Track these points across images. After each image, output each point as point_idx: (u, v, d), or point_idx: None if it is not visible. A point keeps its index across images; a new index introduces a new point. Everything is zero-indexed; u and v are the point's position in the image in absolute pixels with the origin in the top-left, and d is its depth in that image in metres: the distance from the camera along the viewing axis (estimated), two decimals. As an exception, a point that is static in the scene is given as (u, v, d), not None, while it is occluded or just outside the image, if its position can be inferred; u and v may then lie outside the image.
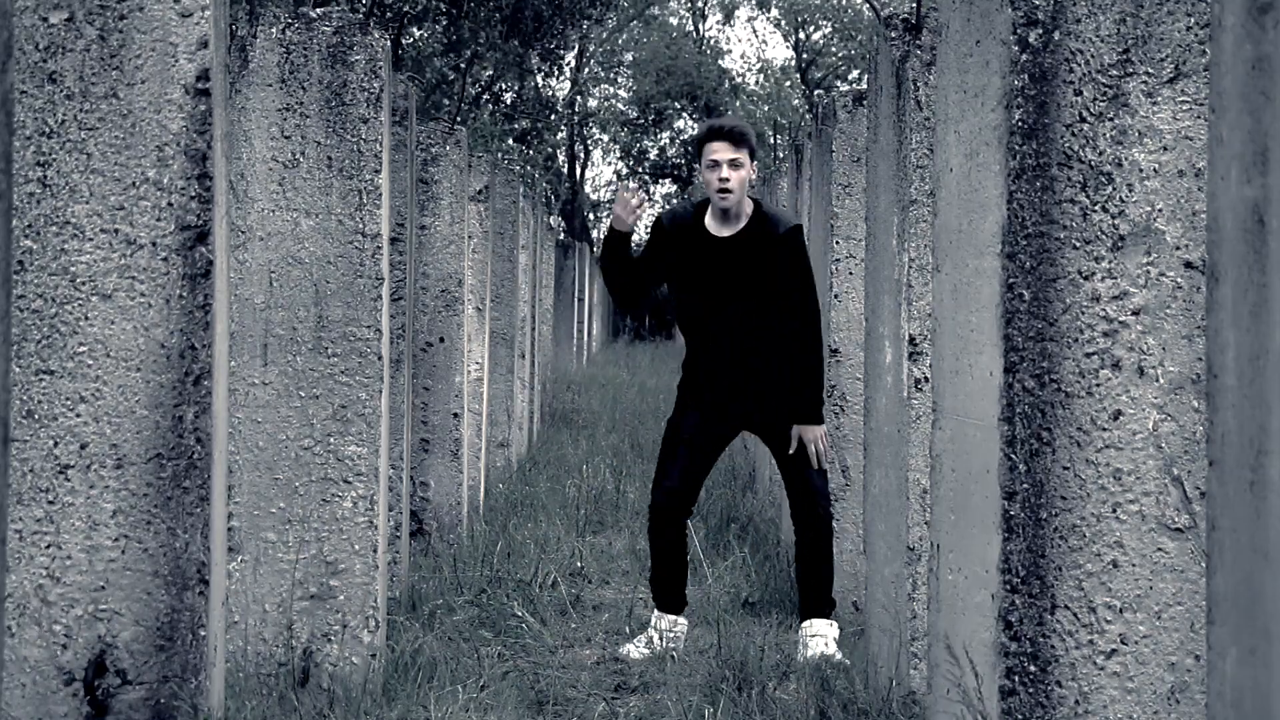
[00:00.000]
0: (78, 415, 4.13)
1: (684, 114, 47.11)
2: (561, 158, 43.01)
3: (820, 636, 6.69)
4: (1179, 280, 3.62)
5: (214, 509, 4.19)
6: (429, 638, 6.11)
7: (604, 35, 44.47)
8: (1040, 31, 3.63)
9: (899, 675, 5.23)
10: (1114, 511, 3.59)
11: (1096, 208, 3.61)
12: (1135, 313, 3.61)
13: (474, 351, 9.97)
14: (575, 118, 42.79)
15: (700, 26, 49.96)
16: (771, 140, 43.23)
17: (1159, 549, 3.59)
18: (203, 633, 4.14)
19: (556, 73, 31.45)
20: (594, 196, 49.93)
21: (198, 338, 4.16)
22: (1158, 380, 3.60)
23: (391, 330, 6.36)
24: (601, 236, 6.81)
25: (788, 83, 47.34)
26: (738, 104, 46.20)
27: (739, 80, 48.38)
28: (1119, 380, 3.60)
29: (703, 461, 6.86)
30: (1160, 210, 3.62)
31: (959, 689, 3.78)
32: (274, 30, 5.36)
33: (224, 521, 4.41)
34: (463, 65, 23.53)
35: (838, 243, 7.35)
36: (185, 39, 4.18)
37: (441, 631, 6.49)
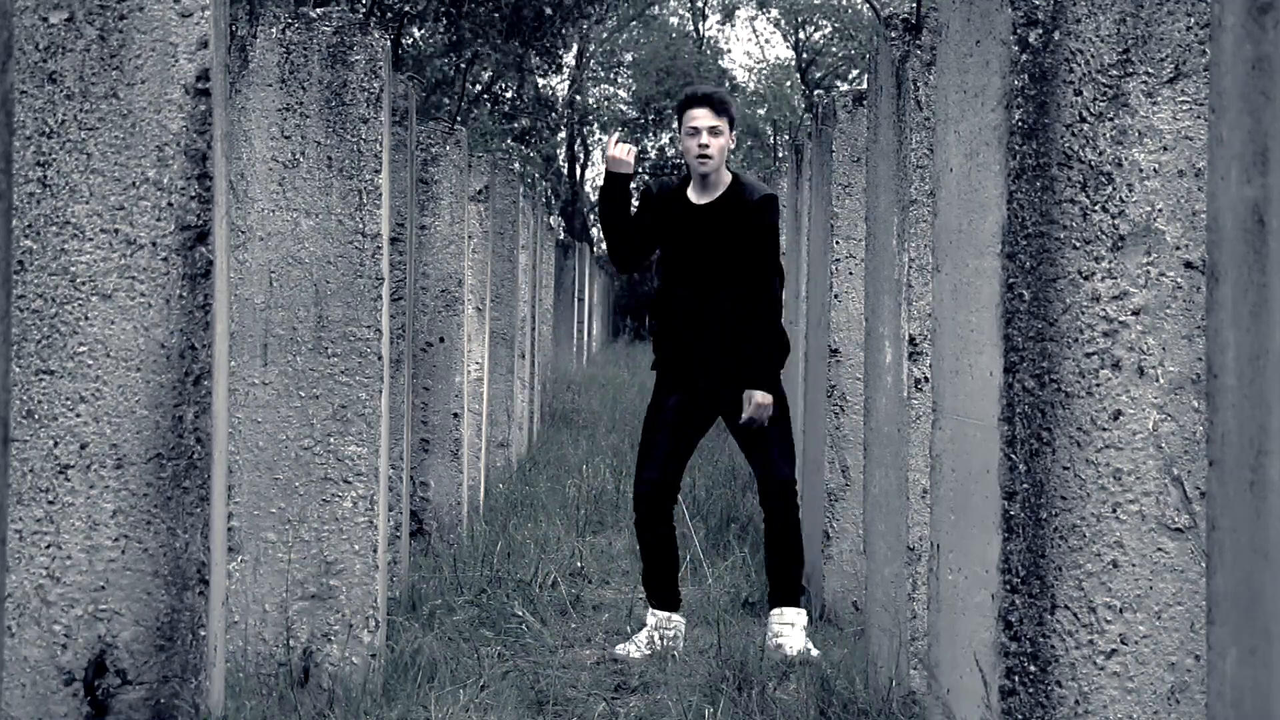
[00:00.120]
0: (78, 415, 4.13)
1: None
2: (561, 158, 43.00)
3: (789, 625, 6.70)
4: (1179, 280, 3.62)
5: (214, 509, 4.19)
6: (429, 638, 6.11)
7: (604, 35, 44.46)
8: (1040, 31, 3.63)
9: (899, 675, 5.23)
10: (1114, 511, 3.59)
11: (1096, 208, 3.61)
12: (1135, 313, 3.61)
13: (474, 351, 9.97)
14: (575, 117, 42.78)
15: (700, 26, 49.95)
16: (771, 140, 43.22)
17: (1159, 549, 3.59)
18: (203, 633, 4.14)
19: (555, 72, 31.44)
20: (594, 197, 49.90)
21: (198, 338, 4.16)
22: (1158, 380, 3.60)
23: (391, 330, 6.36)
24: (598, 186, 6.85)
25: (788, 83, 47.31)
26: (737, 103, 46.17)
27: (739, 81, 48.38)
28: (1119, 380, 3.60)
29: (683, 448, 6.87)
30: (1160, 210, 3.62)
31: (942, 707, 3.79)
32: (274, 30, 5.36)
33: (224, 521, 4.41)
34: (463, 65, 23.52)
35: (838, 243, 7.35)
36: (185, 39, 4.18)
37: (441, 631, 6.48)
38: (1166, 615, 3.59)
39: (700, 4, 49.00)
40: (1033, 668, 3.59)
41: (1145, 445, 3.60)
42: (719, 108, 6.90)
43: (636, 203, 7.18)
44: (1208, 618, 2.06)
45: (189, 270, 4.17)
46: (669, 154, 47.77)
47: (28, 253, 4.13)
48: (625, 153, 6.90)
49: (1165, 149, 3.62)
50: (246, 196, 5.34)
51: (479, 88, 27.99)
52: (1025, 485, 3.59)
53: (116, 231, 4.15)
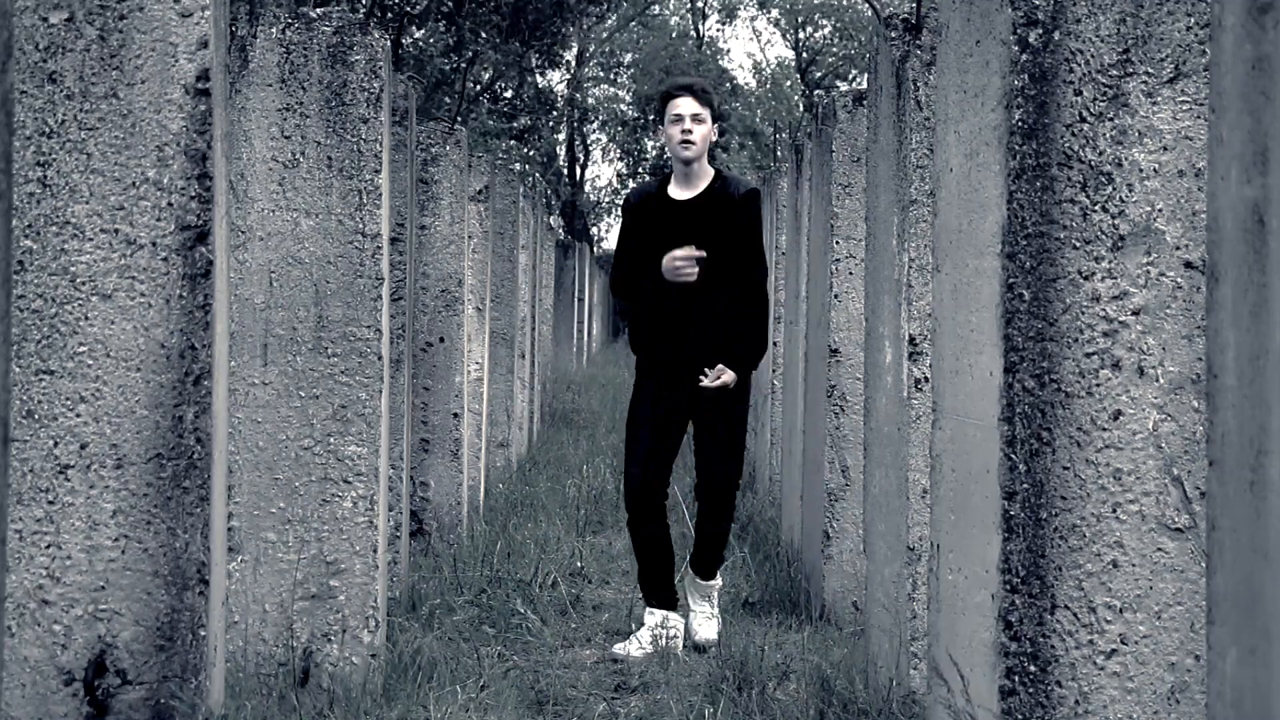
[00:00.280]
0: (78, 415, 4.13)
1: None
2: (562, 158, 42.99)
3: (706, 602, 6.87)
4: (1179, 280, 3.62)
5: (214, 509, 4.19)
6: (429, 638, 6.11)
7: (604, 35, 44.47)
8: (1040, 31, 3.63)
9: (899, 675, 5.23)
10: (1114, 511, 3.59)
11: (1096, 208, 3.61)
12: (1135, 313, 3.61)
13: (474, 351, 9.97)
14: (575, 115, 42.78)
15: (700, 27, 49.94)
16: (771, 140, 43.22)
17: (1159, 549, 3.59)
18: (203, 633, 4.14)
19: (554, 68, 31.46)
20: (593, 197, 49.92)
21: (198, 338, 4.16)
22: (1158, 380, 3.60)
23: (391, 330, 6.36)
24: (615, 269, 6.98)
25: (787, 83, 47.30)
26: (737, 104, 46.16)
27: (740, 81, 48.39)
28: (1119, 380, 3.60)
29: (668, 444, 6.91)
30: (1160, 210, 3.62)
31: (949, 708, 3.79)
32: (274, 30, 5.36)
33: (224, 521, 4.41)
34: (463, 65, 23.53)
35: (838, 243, 7.36)
36: (185, 39, 4.18)
37: (441, 631, 6.48)
38: (1166, 615, 3.59)
39: (700, 4, 49.00)
40: (1033, 668, 3.59)
41: (1145, 445, 3.60)
42: (701, 97, 7.00)
43: (622, 219, 7.24)
44: (1208, 618, 2.06)
45: (189, 270, 4.17)
46: (668, 154, 47.75)
47: (28, 253, 4.13)
48: (689, 266, 6.88)
49: (1165, 149, 3.63)
50: (246, 196, 5.34)
51: (479, 87, 27.98)
52: (1025, 485, 3.59)
53: (116, 231, 4.15)
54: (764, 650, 6.05)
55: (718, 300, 6.88)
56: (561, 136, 41.98)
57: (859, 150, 7.32)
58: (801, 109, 43.80)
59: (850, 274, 7.36)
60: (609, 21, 41.53)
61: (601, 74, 48.37)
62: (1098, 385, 3.60)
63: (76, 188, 4.15)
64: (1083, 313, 3.61)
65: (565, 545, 8.93)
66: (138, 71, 4.17)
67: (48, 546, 4.12)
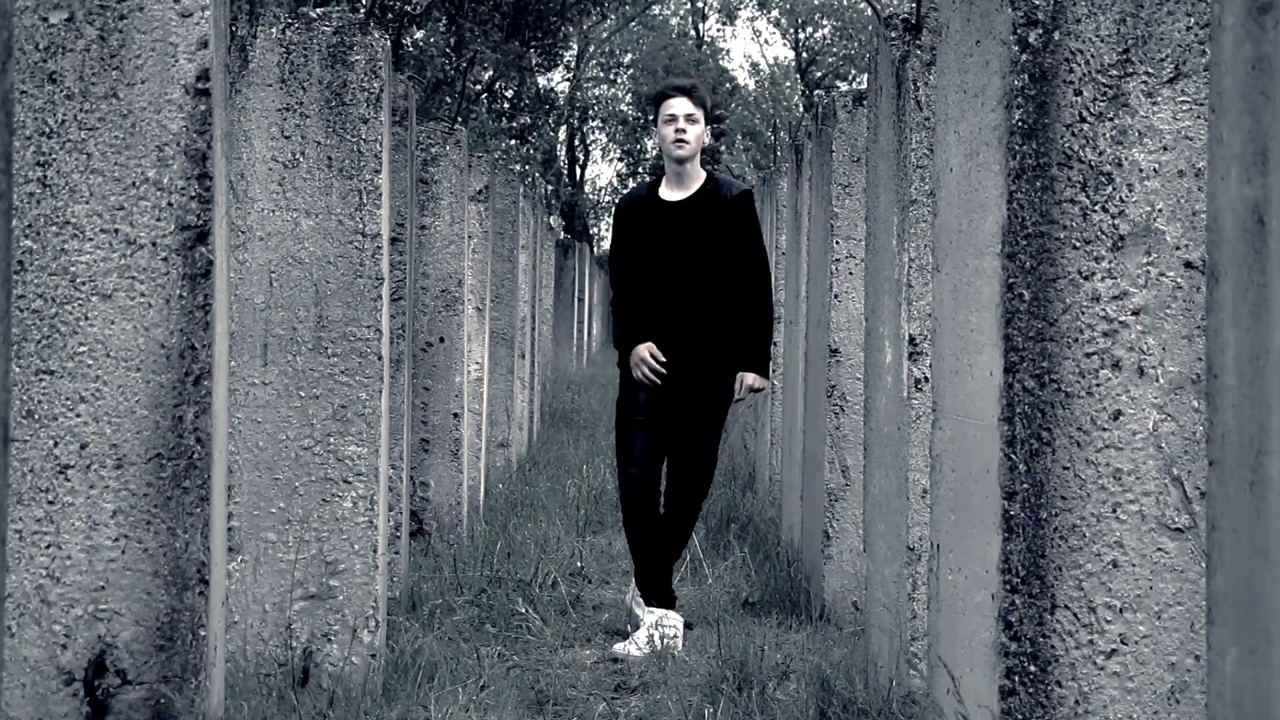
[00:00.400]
0: (78, 415, 4.13)
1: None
2: (562, 157, 42.99)
3: (673, 629, 6.85)
4: (1179, 280, 3.62)
5: (214, 509, 4.19)
6: (429, 638, 6.11)
7: (604, 35, 44.46)
8: (1040, 31, 3.63)
9: (899, 675, 5.22)
10: (1114, 511, 3.59)
11: (1096, 208, 3.61)
12: (1135, 313, 3.61)
13: (474, 351, 9.97)
14: (575, 113, 42.79)
15: (700, 27, 49.94)
16: (771, 140, 43.23)
17: (1159, 549, 3.59)
18: (203, 633, 4.14)
19: (554, 67, 31.46)
20: (594, 197, 49.92)
21: (198, 338, 4.16)
22: (1158, 380, 3.60)
23: (391, 330, 6.36)
24: (617, 331, 7.22)
25: (787, 83, 47.30)
26: (736, 104, 46.17)
27: (740, 82, 48.39)
28: (1119, 380, 3.60)
29: (661, 441, 6.96)
30: (1160, 210, 3.62)
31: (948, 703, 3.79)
32: (274, 30, 5.36)
33: (224, 521, 4.41)
34: (464, 66, 23.53)
35: (838, 243, 7.36)
36: (185, 39, 4.18)
37: (441, 631, 6.48)
38: (1166, 615, 3.59)
39: (700, 4, 49.00)
40: (1033, 668, 3.59)
41: (1145, 445, 3.60)
42: (695, 98, 7.09)
43: (614, 224, 7.29)
44: (1208, 618, 2.06)
45: (189, 270, 4.17)
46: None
47: (28, 253, 4.13)
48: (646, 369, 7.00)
49: (1165, 149, 3.62)
50: (246, 196, 5.34)
51: (479, 87, 27.99)
52: (1025, 485, 3.59)
53: (116, 231, 4.15)
54: (764, 650, 6.05)
55: (713, 301, 6.95)
56: (561, 136, 41.98)
57: (859, 150, 7.32)
58: (801, 109, 43.80)
59: (850, 274, 7.36)
60: (609, 21, 41.53)
61: (601, 74, 48.37)
62: (1098, 385, 3.60)
63: (76, 188, 4.15)
64: (1083, 313, 3.61)
65: (565, 545, 8.92)
66: (138, 71, 4.17)
67: (48, 546, 4.12)
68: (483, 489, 10.45)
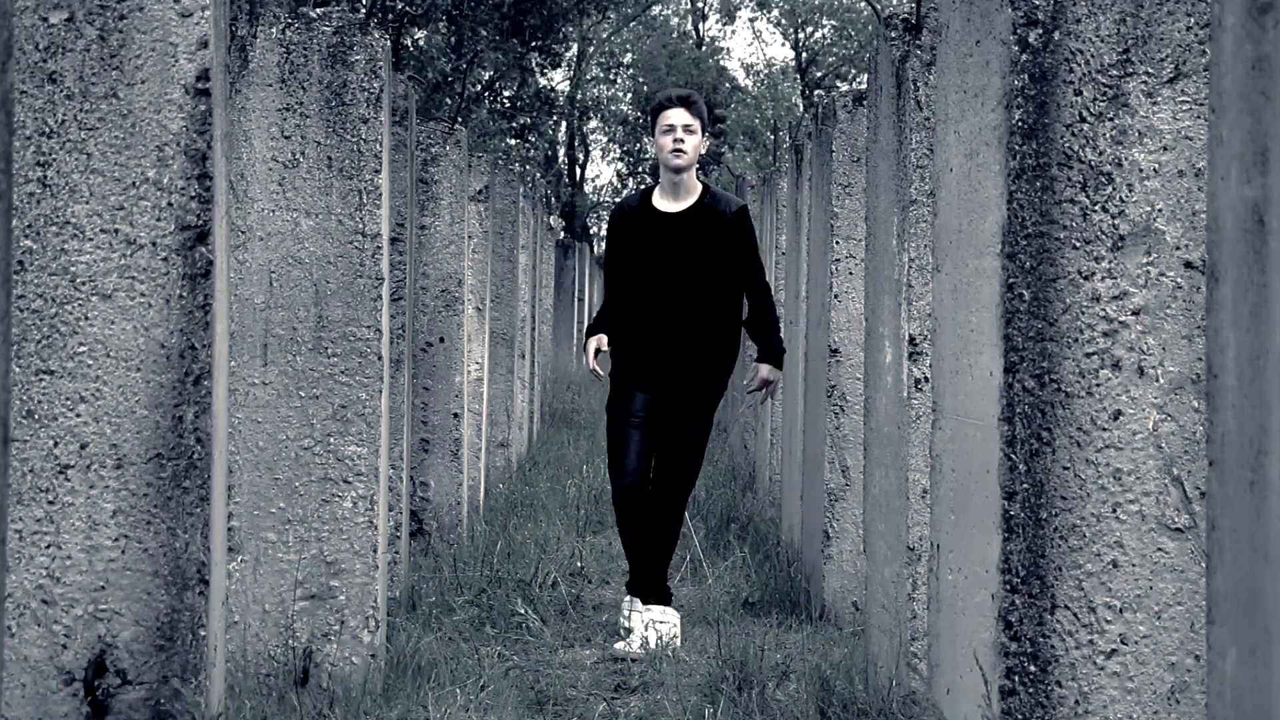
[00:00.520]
0: (78, 415, 4.13)
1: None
2: (562, 158, 43.00)
3: (669, 623, 6.89)
4: (1179, 280, 3.62)
5: (214, 509, 4.19)
6: (429, 638, 6.11)
7: (604, 35, 44.46)
8: (1040, 31, 3.62)
9: (899, 675, 5.22)
10: (1114, 511, 3.59)
11: (1096, 208, 3.61)
12: (1135, 313, 3.61)
13: (474, 351, 9.97)
14: (575, 113, 42.79)
15: (700, 27, 49.94)
16: (770, 140, 43.22)
17: (1159, 549, 3.59)
18: (203, 633, 4.14)
19: (555, 68, 31.47)
20: (594, 197, 49.91)
21: (198, 338, 4.16)
22: (1158, 380, 3.60)
23: (391, 330, 6.36)
24: (588, 328, 7.43)
25: (784, 84, 47.31)
26: (735, 105, 46.17)
27: (740, 80, 48.38)
28: (1119, 380, 3.60)
29: (654, 439, 7.03)
30: (1160, 210, 3.62)
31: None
32: (274, 30, 5.36)
33: (224, 521, 4.41)
34: (464, 67, 23.53)
35: (838, 243, 7.36)
36: (185, 39, 4.18)
37: (441, 631, 6.48)
38: (1166, 615, 3.59)
39: (700, 4, 49.00)
40: (1033, 668, 3.59)
41: (1145, 445, 3.60)
42: (692, 109, 7.16)
43: (608, 233, 7.36)
44: (1208, 618, 2.06)
45: (189, 270, 4.16)
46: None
47: (28, 253, 4.13)
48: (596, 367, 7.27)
49: (1165, 149, 3.62)
50: (246, 196, 5.34)
51: (479, 87, 27.99)
52: (1025, 485, 3.59)
53: (116, 231, 4.15)
54: (764, 650, 6.05)
55: (712, 300, 7.02)
56: (562, 135, 41.98)
57: (859, 150, 7.32)
58: (801, 109, 43.79)
59: (850, 274, 7.36)
60: (609, 19, 41.53)
61: (601, 74, 48.36)
62: (1098, 385, 3.60)
63: (76, 188, 4.15)
64: (1083, 313, 3.61)
65: (565, 545, 8.92)
66: (138, 71, 4.17)
67: (48, 546, 4.12)
68: (483, 489, 10.45)
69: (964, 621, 3.78)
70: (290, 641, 5.18)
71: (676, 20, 49.52)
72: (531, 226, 14.81)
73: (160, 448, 4.14)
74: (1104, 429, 3.59)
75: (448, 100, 22.86)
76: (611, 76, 49.03)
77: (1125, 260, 3.61)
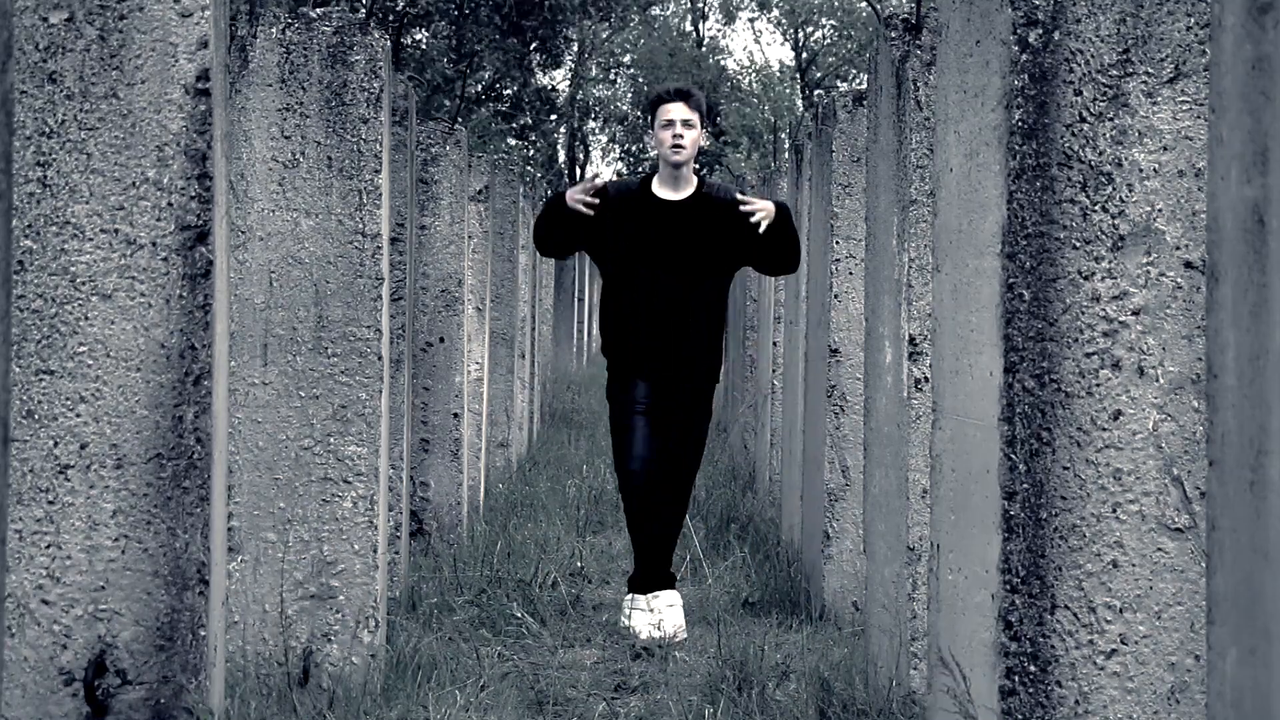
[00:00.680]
0: (78, 415, 4.13)
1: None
2: (562, 158, 42.98)
3: (672, 606, 6.94)
4: (1179, 280, 3.62)
5: (214, 509, 4.19)
6: (429, 638, 6.11)
7: (604, 35, 44.45)
8: (1040, 31, 3.62)
9: (899, 675, 5.22)
10: (1114, 511, 3.59)
11: (1096, 208, 3.61)
12: (1135, 313, 3.61)
13: (474, 351, 9.97)
14: (576, 113, 42.79)
15: (700, 27, 49.94)
16: (770, 140, 43.21)
17: (1159, 549, 3.59)
18: (203, 633, 4.14)
19: (556, 67, 31.46)
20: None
21: (198, 338, 4.16)
22: (1158, 380, 3.60)
23: (391, 330, 6.36)
24: (546, 198, 7.28)
25: (783, 85, 47.30)
26: (735, 104, 46.17)
27: (739, 79, 48.38)
28: (1119, 380, 3.60)
29: (660, 433, 7.04)
30: (1160, 210, 3.62)
31: (953, 698, 3.78)
32: (274, 30, 5.36)
33: (224, 521, 4.41)
34: (464, 69, 23.53)
35: (838, 243, 7.36)
36: (185, 39, 4.18)
37: (441, 631, 6.48)
38: (1166, 615, 3.59)
39: (701, 4, 49.00)
40: (1033, 668, 3.59)
41: (1145, 445, 3.60)
42: (692, 103, 7.19)
43: (599, 196, 7.29)
44: (1208, 618, 2.06)
45: (189, 270, 4.16)
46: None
47: (28, 253, 4.13)
48: (587, 193, 7.09)
49: (1165, 149, 3.62)
50: (246, 196, 5.34)
51: (480, 87, 27.99)
52: (1025, 485, 3.59)
53: (116, 231, 4.15)
54: (764, 650, 6.05)
55: (711, 291, 7.05)
56: (562, 134, 41.96)
57: (859, 150, 7.32)
58: (801, 109, 43.78)
59: (850, 274, 7.36)
60: (610, 24, 41.52)
61: (600, 74, 48.35)
62: (1098, 385, 3.60)
63: (76, 188, 4.15)
64: (1083, 313, 3.61)
65: (565, 545, 8.92)
66: (138, 71, 4.17)
67: (48, 546, 4.12)
68: (483, 489, 10.44)
69: (964, 621, 3.78)
70: (290, 641, 5.18)
71: (675, 21, 49.52)
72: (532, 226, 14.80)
73: (160, 448, 4.14)
74: (1104, 429, 3.59)
75: (447, 102, 22.87)
76: (611, 76, 49.04)
77: (1125, 260, 3.61)
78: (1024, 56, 3.62)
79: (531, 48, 26.22)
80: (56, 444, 4.13)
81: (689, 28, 49.59)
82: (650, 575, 7.06)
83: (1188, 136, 3.63)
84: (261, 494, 5.27)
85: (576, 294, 28.15)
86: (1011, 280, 3.61)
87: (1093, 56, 3.62)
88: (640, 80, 47.05)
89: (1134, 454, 3.59)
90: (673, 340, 7.07)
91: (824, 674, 5.56)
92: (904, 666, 5.25)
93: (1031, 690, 3.58)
